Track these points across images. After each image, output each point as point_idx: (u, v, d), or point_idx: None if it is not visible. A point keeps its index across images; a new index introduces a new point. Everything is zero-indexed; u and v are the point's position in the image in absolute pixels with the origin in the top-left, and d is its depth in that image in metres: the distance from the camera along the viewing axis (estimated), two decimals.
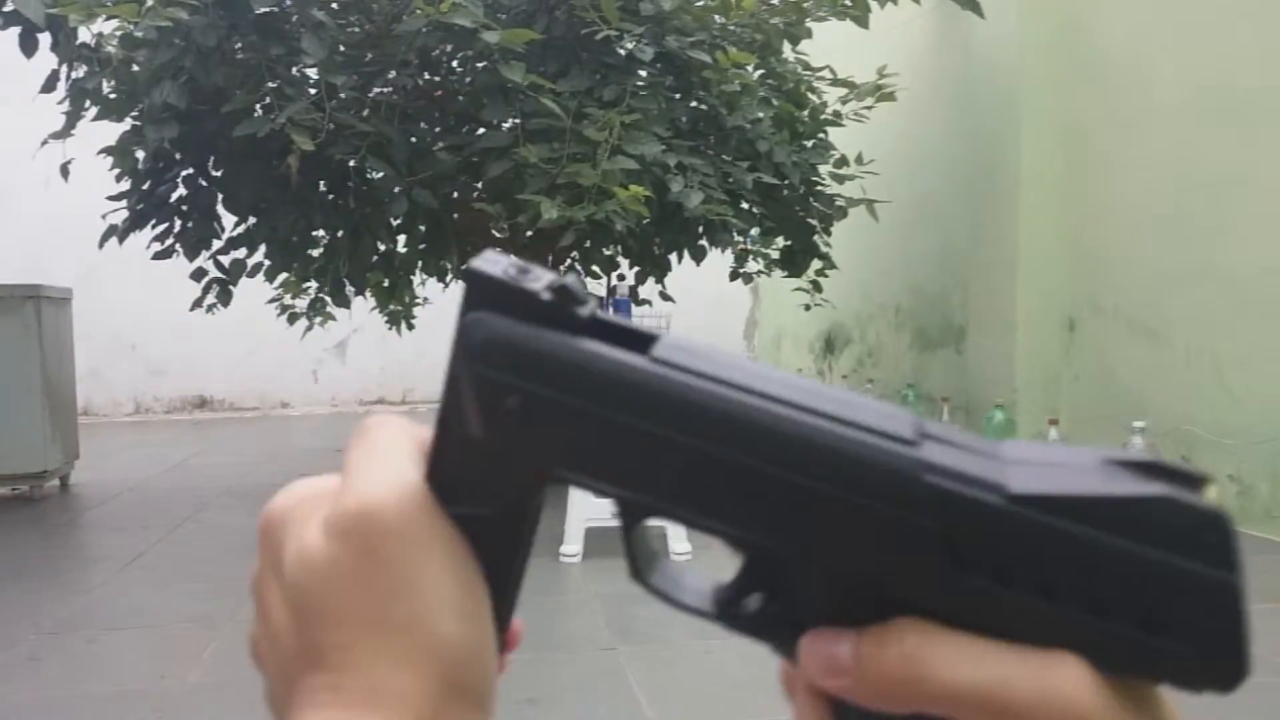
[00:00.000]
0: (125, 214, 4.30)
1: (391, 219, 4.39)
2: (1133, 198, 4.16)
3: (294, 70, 3.91)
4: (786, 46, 4.60)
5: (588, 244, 4.54)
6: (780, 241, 4.98)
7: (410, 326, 5.69)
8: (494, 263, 0.27)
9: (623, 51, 3.91)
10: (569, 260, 5.18)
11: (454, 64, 4.35)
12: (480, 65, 3.93)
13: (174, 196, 4.29)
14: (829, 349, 7.19)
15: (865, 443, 0.24)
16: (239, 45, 3.87)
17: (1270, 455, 3.48)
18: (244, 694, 2.27)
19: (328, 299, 4.89)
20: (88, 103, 4.04)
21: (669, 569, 0.29)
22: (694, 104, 4.29)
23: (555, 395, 0.26)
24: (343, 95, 3.87)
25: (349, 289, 4.75)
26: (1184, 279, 3.87)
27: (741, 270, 5.34)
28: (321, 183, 4.32)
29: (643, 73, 4.08)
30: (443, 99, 4.39)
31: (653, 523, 0.27)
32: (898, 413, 0.24)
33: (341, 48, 3.97)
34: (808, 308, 5.35)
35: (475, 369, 0.26)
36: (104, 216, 4.31)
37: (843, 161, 4.77)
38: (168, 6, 3.36)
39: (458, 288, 4.66)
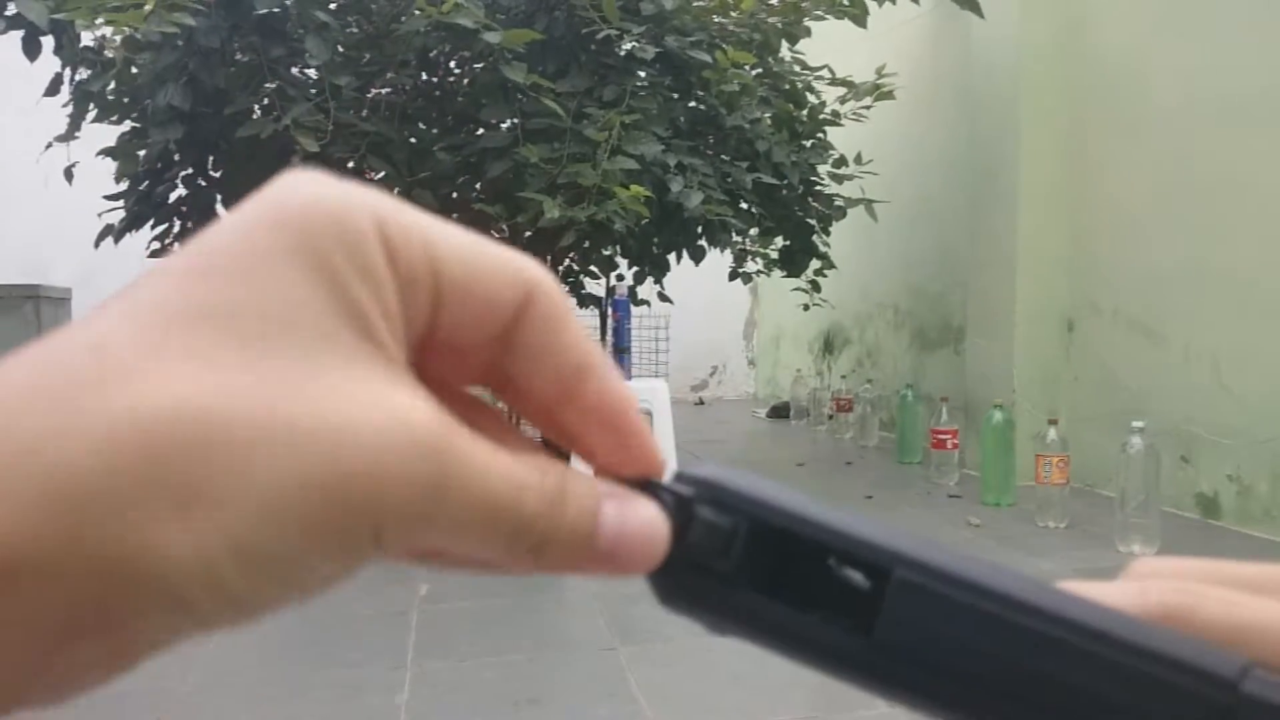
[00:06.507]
0: (122, 214, 4.30)
1: None
2: (1132, 198, 4.17)
3: (295, 71, 3.91)
4: (784, 46, 4.60)
5: (587, 244, 4.55)
6: (779, 241, 4.99)
7: None
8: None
9: (622, 51, 3.92)
10: (568, 260, 5.18)
11: (453, 64, 4.35)
12: (480, 66, 3.93)
13: (173, 197, 4.29)
14: (828, 349, 7.19)
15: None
16: (239, 47, 3.87)
17: (1270, 455, 3.48)
18: (244, 694, 2.27)
19: None
20: (91, 105, 4.04)
21: None
22: (693, 104, 4.30)
23: None
24: (344, 96, 3.88)
25: None
26: (1183, 279, 3.87)
27: (740, 270, 5.35)
28: None
29: (642, 73, 4.08)
30: (442, 99, 4.39)
31: None
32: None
33: (341, 48, 3.98)
34: (806, 308, 5.35)
35: None
36: (100, 215, 4.31)
37: (841, 161, 4.77)
38: (172, 11, 3.36)
39: None
